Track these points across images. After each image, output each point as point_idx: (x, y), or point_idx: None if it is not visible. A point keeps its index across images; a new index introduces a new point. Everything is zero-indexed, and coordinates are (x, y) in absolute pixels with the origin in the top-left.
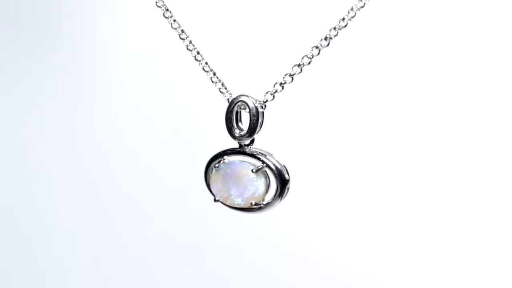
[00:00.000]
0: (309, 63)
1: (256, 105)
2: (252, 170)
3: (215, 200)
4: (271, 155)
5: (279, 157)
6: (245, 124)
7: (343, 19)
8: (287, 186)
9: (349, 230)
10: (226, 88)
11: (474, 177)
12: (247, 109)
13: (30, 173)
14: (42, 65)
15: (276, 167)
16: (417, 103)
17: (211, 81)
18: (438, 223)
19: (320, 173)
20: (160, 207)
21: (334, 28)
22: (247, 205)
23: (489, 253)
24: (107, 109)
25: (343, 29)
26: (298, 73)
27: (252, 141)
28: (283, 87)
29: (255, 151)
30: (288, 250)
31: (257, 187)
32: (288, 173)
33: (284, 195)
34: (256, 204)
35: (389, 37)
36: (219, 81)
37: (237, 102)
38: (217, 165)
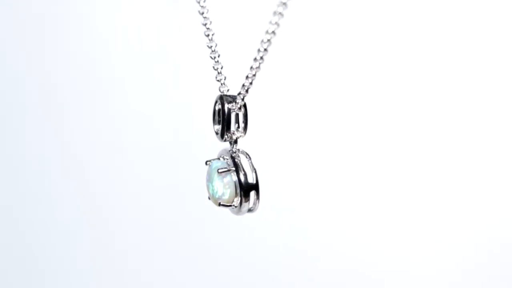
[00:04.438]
0: (258, 66)
1: (228, 105)
2: (218, 171)
3: (208, 198)
4: (248, 157)
5: (254, 161)
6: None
7: (271, 22)
8: (253, 191)
9: (347, 230)
10: (227, 87)
11: (459, 169)
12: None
13: (30, 173)
14: (42, 66)
15: (243, 171)
16: (402, 98)
17: (215, 79)
18: (434, 219)
19: (319, 174)
20: (160, 207)
21: (267, 32)
22: (216, 204)
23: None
24: (107, 109)
25: (277, 30)
26: (252, 75)
27: (235, 141)
28: (247, 90)
29: (236, 152)
30: (287, 250)
31: (220, 187)
32: (256, 179)
33: (251, 199)
34: (223, 204)
35: (377, 36)
36: (221, 79)
37: (217, 101)
38: (208, 163)
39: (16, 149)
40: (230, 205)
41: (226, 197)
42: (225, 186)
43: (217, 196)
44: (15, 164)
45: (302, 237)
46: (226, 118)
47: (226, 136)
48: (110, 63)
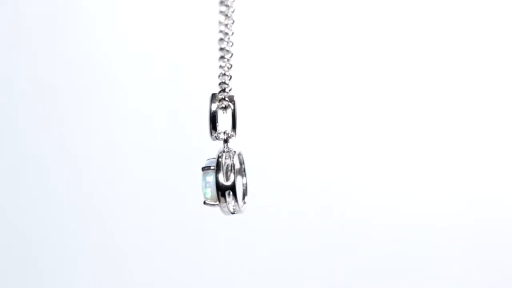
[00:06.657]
0: (225, 66)
1: (213, 104)
2: (202, 169)
3: None
4: (232, 155)
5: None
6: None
7: (226, 24)
8: (228, 192)
9: (344, 229)
10: (229, 86)
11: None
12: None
13: (30, 173)
14: (42, 66)
15: (222, 171)
16: (393, 92)
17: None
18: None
19: (317, 173)
20: (160, 207)
21: (221, 32)
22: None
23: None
24: (107, 109)
25: (234, 28)
26: (223, 75)
27: (225, 141)
28: (224, 90)
29: (224, 152)
30: (286, 250)
31: (203, 186)
32: (233, 180)
33: (227, 200)
34: (207, 203)
35: (368, 33)
36: (225, 79)
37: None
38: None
39: (16, 149)
40: (214, 204)
41: (208, 196)
42: (207, 185)
43: (202, 193)
44: (14, 164)
45: (301, 237)
46: (211, 117)
47: (215, 135)
48: (109, 63)
